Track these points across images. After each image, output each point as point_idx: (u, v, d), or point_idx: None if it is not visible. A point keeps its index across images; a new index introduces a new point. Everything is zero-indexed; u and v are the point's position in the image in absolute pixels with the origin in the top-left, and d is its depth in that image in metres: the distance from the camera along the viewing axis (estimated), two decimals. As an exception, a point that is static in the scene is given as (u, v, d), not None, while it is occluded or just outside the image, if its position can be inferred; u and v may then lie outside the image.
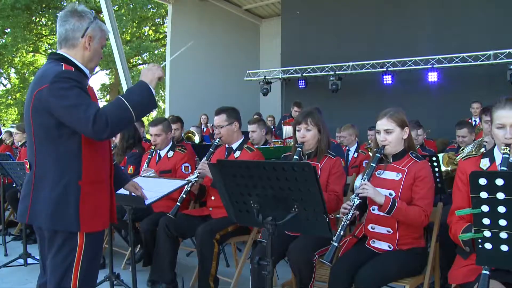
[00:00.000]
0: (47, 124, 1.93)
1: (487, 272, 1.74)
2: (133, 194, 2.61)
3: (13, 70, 23.34)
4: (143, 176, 3.69)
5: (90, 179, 1.99)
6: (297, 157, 2.87)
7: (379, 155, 2.56)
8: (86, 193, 1.97)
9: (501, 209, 1.60)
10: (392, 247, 2.54)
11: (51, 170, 1.95)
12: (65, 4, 20.11)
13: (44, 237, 2.03)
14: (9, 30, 19.18)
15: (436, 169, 3.60)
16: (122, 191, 2.60)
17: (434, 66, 8.49)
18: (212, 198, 3.52)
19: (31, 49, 21.84)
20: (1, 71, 23.04)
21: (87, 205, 1.97)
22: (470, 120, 6.53)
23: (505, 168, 2.01)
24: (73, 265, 1.95)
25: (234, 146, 3.55)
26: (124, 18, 19.91)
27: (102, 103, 25.87)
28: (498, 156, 2.18)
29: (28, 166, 2.03)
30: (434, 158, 3.61)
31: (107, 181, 2.13)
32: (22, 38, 18.91)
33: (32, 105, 1.95)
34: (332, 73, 9.69)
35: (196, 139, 7.24)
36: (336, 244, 2.30)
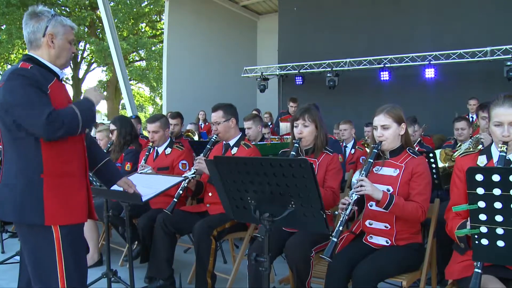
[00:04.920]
0: (6, 122, 1.99)
1: (479, 271, 1.75)
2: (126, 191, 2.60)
3: (9, 66, 23.23)
4: (140, 173, 3.69)
5: (54, 172, 2.02)
6: (294, 153, 2.87)
7: (376, 150, 2.57)
8: (51, 186, 2.00)
9: (498, 205, 1.61)
10: (389, 242, 2.54)
11: (15, 164, 2.00)
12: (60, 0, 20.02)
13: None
14: (4, 26, 19.08)
15: (433, 165, 3.61)
16: (116, 187, 2.59)
17: (431, 62, 8.49)
18: (210, 194, 3.52)
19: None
20: (-3, 67, 22.95)
21: (54, 198, 2.00)
22: (467, 117, 6.55)
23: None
24: (55, 263, 1.98)
25: (231, 142, 3.54)
26: (121, 13, 19.82)
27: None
28: (495, 154, 2.18)
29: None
30: (431, 155, 3.61)
31: (80, 176, 2.16)
32: (17, 35, 18.81)
33: None
34: (330, 69, 9.69)
35: (195, 138, 7.23)
36: (335, 239, 2.31)
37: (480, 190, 1.62)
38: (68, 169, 2.09)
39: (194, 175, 3.36)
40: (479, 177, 1.61)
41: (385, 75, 9.04)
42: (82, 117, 2.01)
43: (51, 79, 2.06)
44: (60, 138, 1.97)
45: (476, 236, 1.69)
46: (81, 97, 2.18)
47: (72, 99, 2.23)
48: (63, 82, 2.21)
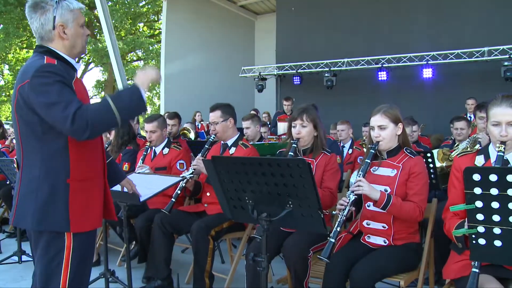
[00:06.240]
0: (31, 121, 1.85)
1: (477, 270, 1.75)
2: (125, 190, 2.58)
3: (6, 66, 23.18)
4: (138, 173, 3.68)
5: (80, 176, 1.92)
6: (292, 153, 2.87)
7: (373, 151, 2.57)
8: (75, 191, 1.90)
9: (495, 204, 1.61)
10: (387, 241, 2.55)
11: (38, 169, 1.87)
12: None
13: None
14: (1, 26, 19.05)
15: (431, 165, 3.61)
16: (116, 187, 2.59)
17: (428, 62, 8.52)
18: (207, 194, 3.52)
19: (24, 45, 21.70)
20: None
21: (77, 203, 1.90)
22: (465, 116, 6.56)
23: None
24: (61, 266, 1.88)
25: (229, 142, 3.54)
26: (118, 13, 19.80)
27: (97, 100, 25.78)
28: (493, 154, 2.18)
29: (16, 165, 1.98)
30: (428, 154, 3.62)
31: (100, 178, 2.06)
32: (15, 34, 18.78)
33: (16, 101, 1.87)
34: (327, 69, 9.70)
35: (191, 135, 7.23)
36: (333, 240, 2.30)
37: (478, 190, 1.63)
38: (91, 172, 1.99)
39: (192, 175, 3.36)
40: (476, 177, 1.62)
41: (383, 75, 9.06)
42: (120, 108, 1.82)
43: (73, 75, 1.93)
44: (90, 138, 1.83)
45: (473, 236, 1.70)
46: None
47: None
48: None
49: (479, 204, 1.64)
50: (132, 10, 21.35)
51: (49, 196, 1.86)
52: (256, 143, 4.92)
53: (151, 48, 22.68)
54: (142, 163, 3.99)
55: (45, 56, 1.88)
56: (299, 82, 10.36)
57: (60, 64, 1.88)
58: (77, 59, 2.05)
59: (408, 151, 2.62)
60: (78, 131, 1.77)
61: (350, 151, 5.62)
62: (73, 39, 1.96)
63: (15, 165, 2.00)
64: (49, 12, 1.89)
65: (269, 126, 8.36)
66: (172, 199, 3.31)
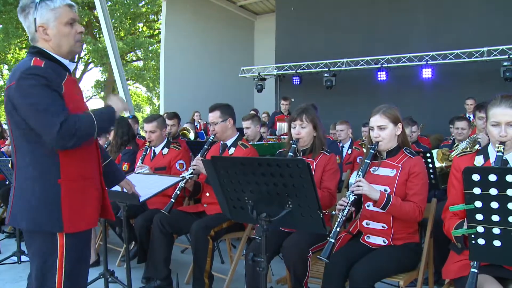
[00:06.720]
0: (20, 122, 1.85)
1: (476, 271, 1.75)
2: (124, 190, 2.58)
3: (6, 67, 23.16)
4: (138, 173, 3.68)
5: (72, 177, 1.91)
6: (291, 154, 2.87)
7: (373, 151, 2.57)
8: (68, 191, 1.89)
9: (494, 204, 1.61)
10: (387, 241, 2.55)
11: (31, 170, 1.87)
12: None
13: None
14: (1, 26, 19.04)
15: (430, 165, 3.61)
16: (115, 187, 2.58)
17: (428, 62, 8.52)
18: (207, 194, 3.52)
19: (24, 45, 21.68)
20: (-6, 67, 22.87)
21: (71, 204, 1.90)
22: (464, 116, 6.56)
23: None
24: (55, 267, 1.87)
25: (229, 142, 3.54)
26: (118, 13, 19.80)
27: (96, 100, 25.78)
28: (492, 154, 2.18)
29: (11, 165, 1.99)
30: (428, 154, 3.62)
31: (95, 178, 2.05)
32: (15, 34, 18.77)
33: (5, 102, 1.87)
34: (327, 69, 9.70)
35: (191, 135, 7.24)
36: (333, 240, 2.31)
37: (477, 190, 1.63)
38: (85, 172, 1.98)
39: (191, 175, 3.36)
40: (475, 177, 1.62)
41: (382, 75, 9.06)
42: (99, 126, 1.90)
43: (64, 75, 1.90)
44: (73, 147, 1.84)
45: (472, 236, 1.70)
46: (104, 104, 2.09)
47: None
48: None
49: (478, 204, 1.64)
50: (132, 10, 21.35)
51: (41, 197, 1.86)
52: (256, 143, 4.92)
53: (150, 48, 22.68)
54: (142, 163, 3.99)
55: (34, 58, 1.86)
56: (298, 82, 10.35)
57: (49, 65, 1.86)
58: (76, 58, 2.05)
59: (407, 151, 2.62)
60: (65, 138, 1.78)
61: (350, 151, 5.62)
62: (57, 39, 1.91)
63: (10, 165, 2.00)
64: (30, 14, 1.88)
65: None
66: (172, 200, 3.30)
